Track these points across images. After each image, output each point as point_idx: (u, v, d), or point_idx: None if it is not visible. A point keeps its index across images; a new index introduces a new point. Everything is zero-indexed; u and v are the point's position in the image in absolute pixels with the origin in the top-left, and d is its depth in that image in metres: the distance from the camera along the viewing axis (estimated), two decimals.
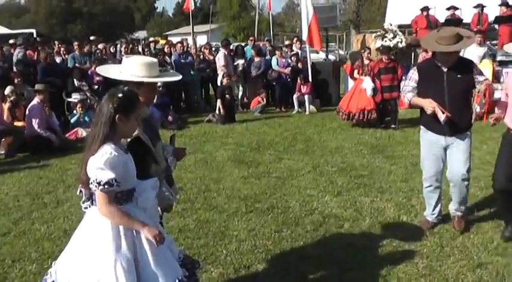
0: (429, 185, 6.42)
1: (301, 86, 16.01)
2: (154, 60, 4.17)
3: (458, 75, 5.90)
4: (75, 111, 13.11)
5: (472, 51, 14.28)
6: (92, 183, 3.32)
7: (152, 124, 4.23)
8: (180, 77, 4.54)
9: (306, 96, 15.88)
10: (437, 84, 5.96)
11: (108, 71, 4.32)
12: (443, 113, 5.71)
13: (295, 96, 16.10)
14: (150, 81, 4.06)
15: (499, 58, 14.86)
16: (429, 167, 6.34)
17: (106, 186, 3.30)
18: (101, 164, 3.29)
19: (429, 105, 5.82)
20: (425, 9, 18.95)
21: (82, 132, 12.26)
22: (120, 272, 3.35)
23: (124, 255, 3.40)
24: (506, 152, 5.86)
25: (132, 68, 4.00)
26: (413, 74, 6.22)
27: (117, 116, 3.39)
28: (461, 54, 14.80)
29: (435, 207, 6.44)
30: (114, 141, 3.43)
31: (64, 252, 3.62)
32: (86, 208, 3.62)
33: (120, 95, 3.43)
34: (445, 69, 5.94)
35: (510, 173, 5.75)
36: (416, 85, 6.16)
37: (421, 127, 6.34)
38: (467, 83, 5.94)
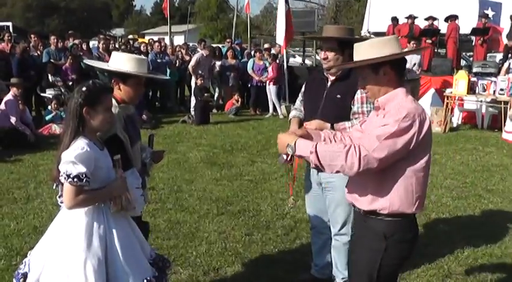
0: (312, 226, 5.17)
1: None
2: (144, 57, 4.15)
3: (338, 95, 4.47)
4: (49, 107, 13.02)
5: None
6: (62, 175, 3.30)
7: (135, 122, 4.21)
8: (167, 77, 4.53)
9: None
10: (315, 101, 4.62)
11: (97, 63, 4.29)
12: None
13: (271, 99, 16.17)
14: (138, 74, 4.01)
15: (474, 70, 15.02)
16: (308, 204, 5.10)
17: (75, 180, 3.27)
18: (72, 158, 3.26)
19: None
20: (411, 17, 19.05)
21: (55, 128, 12.27)
22: (89, 270, 3.33)
23: (95, 253, 3.37)
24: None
25: (121, 62, 3.97)
26: (304, 85, 5.05)
27: (84, 109, 3.37)
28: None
29: (316, 257, 5.14)
30: (88, 136, 3.41)
31: (39, 245, 3.60)
32: (61, 203, 3.59)
33: (84, 88, 3.41)
34: (328, 83, 4.58)
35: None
36: (302, 99, 4.96)
37: None
38: (343, 109, 4.45)
